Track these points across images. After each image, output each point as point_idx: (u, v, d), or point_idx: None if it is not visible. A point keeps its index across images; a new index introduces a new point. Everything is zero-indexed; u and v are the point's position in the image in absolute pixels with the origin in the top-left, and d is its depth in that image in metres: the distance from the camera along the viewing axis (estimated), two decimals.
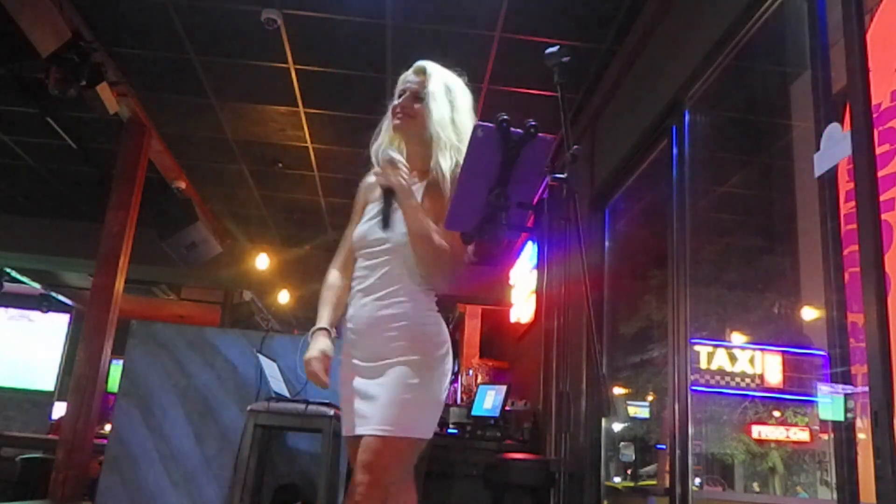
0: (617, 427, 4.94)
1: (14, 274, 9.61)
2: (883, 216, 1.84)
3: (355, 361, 1.83)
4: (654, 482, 4.49)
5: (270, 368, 3.86)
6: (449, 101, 1.91)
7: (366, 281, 1.83)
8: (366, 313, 1.81)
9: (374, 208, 1.91)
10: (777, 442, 4.97)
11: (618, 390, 5.12)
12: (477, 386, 6.28)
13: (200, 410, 4.07)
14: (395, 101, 1.96)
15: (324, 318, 1.89)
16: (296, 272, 8.46)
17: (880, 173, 1.88)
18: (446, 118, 1.88)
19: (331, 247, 2.09)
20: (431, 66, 1.96)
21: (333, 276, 1.97)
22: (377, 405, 1.71)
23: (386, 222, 1.84)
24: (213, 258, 6.93)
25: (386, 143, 1.97)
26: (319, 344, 1.84)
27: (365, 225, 1.90)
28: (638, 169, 4.12)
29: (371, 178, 1.98)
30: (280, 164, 6.28)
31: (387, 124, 1.98)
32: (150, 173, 5.73)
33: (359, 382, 1.80)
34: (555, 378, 4.81)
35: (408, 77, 1.98)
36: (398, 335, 1.77)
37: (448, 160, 1.84)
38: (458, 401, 7.49)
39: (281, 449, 4.05)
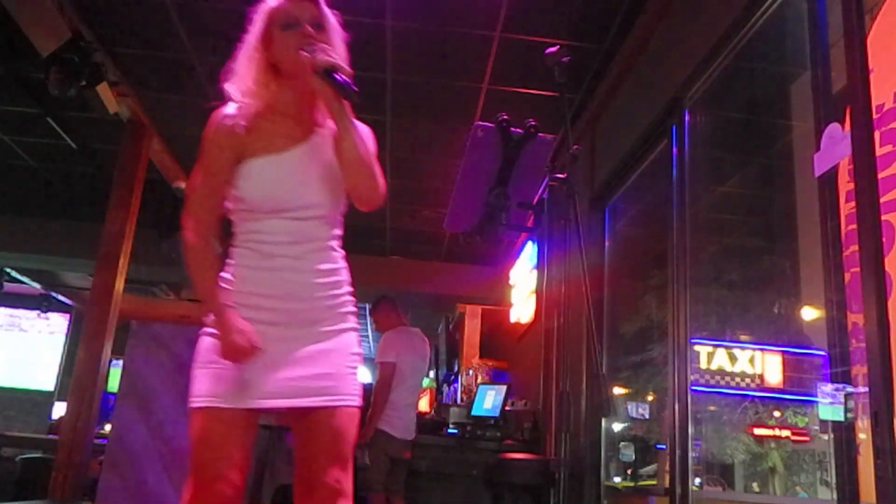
0: (617, 427, 4.94)
1: (14, 274, 9.60)
2: (884, 217, 1.84)
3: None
4: (654, 482, 4.49)
5: None
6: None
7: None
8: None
9: (275, 161, 1.67)
10: (776, 438, 4.97)
11: (618, 390, 5.12)
12: (477, 386, 6.28)
13: None
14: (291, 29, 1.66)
15: None
16: None
17: (882, 174, 1.88)
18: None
19: None
20: None
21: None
22: None
23: None
24: None
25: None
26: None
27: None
28: (638, 169, 4.12)
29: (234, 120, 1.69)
30: None
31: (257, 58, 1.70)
32: (150, 173, 5.73)
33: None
34: (555, 378, 4.81)
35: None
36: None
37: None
38: (458, 401, 7.50)
39: (281, 449, 4.05)
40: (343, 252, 1.77)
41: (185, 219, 1.69)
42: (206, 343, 1.66)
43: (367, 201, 1.67)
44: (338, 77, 1.55)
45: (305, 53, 1.59)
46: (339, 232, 1.76)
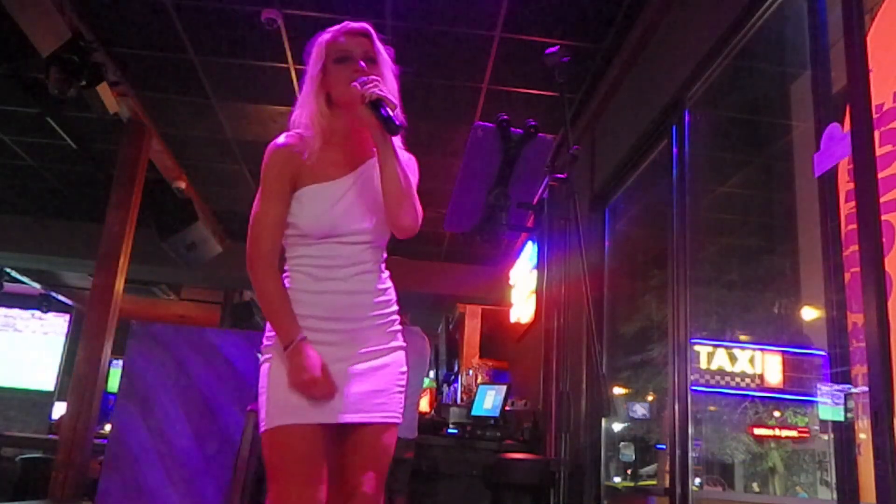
0: (617, 427, 4.94)
1: (14, 274, 9.61)
2: (884, 217, 1.84)
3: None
4: (654, 482, 4.49)
5: None
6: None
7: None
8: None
9: (327, 188, 1.74)
10: (776, 438, 4.97)
11: (618, 390, 5.12)
12: (477, 386, 6.28)
13: (200, 410, 4.07)
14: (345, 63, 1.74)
15: None
16: None
17: (882, 174, 1.88)
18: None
19: None
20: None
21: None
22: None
23: None
24: (213, 258, 6.93)
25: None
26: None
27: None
28: (638, 169, 4.12)
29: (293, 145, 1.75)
30: None
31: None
32: (150, 173, 5.73)
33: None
34: (555, 378, 4.81)
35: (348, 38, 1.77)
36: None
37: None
38: (458, 401, 7.50)
39: None
40: (389, 272, 1.84)
41: (256, 254, 1.74)
42: (273, 365, 1.70)
43: (404, 229, 1.75)
44: (383, 111, 1.62)
45: (356, 85, 1.65)
46: (385, 255, 1.83)
